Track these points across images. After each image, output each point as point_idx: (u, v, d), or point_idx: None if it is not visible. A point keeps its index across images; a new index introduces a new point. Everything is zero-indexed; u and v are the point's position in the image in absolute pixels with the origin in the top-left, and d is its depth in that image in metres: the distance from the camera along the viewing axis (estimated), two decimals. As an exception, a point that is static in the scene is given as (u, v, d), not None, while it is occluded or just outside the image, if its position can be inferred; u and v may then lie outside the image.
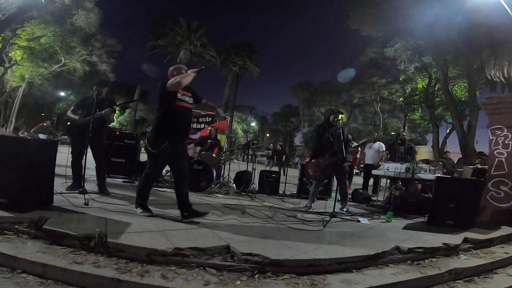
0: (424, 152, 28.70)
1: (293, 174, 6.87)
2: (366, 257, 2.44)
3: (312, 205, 4.50)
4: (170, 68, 3.13)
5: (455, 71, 15.88)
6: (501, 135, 4.62)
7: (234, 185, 5.70)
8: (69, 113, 3.94)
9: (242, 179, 5.63)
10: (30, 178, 2.56)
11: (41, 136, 13.60)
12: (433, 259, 2.70)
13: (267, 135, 50.50)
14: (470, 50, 12.10)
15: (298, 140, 46.68)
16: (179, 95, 2.92)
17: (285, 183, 6.02)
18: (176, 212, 3.22)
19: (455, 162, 11.63)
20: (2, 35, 14.21)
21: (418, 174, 4.55)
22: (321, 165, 4.30)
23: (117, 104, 3.96)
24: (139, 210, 2.95)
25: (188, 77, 2.90)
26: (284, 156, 13.49)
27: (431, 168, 4.71)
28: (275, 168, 13.77)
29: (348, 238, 2.93)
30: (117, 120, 35.34)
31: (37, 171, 2.62)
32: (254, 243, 2.47)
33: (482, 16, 10.15)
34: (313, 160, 4.49)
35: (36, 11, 15.68)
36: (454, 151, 19.98)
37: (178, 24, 27.30)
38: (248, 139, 45.48)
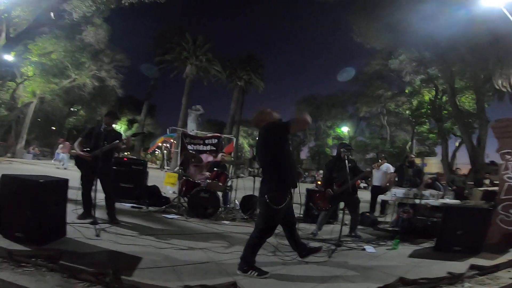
0: (433, 164, 28.32)
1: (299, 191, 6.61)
2: (367, 292, 2.48)
3: (319, 232, 4.55)
4: (258, 114, 2.87)
5: (462, 83, 15.73)
6: (511, 159, 4.59)
7: (240, 211, 5.72)
8: (76, 146, 3.98)
9: (249, 204, 5.66)
10: (43, 214, 2.70)
11: (63, 156, 14.07)
12: (437, 289, 2.72)
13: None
14: (475, 60, 11.96)
15: (304, 154, 46.57)
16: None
17: (292, 204, 5.96)
18: (185, 243, 3.31)
19: (467, 173, 11.47)
20: (14, 50, 14.62)
21: (426, 201, 4.54)
22: (330, 195, 4.44)
23: (124, 138, 4.06)
24: (252, 274, 2.55)
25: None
26: None
27: (439, 193, 4.70)
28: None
29: (352, 270, 2.96)
30: (125, 135, 35.78)
31: (50, 208, 2.76)
32: (259, 280, 2.52)
33: (486, 25, 10.12)
34: (322, 192, 4.64)
35: (47, 27, 16.24)
36: (464, 162, 19.72)
37: (184, 39, 27.79)
38: (254, 153, 45.44)
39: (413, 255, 3.60)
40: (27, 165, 14.44)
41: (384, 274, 2.83)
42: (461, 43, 11.55)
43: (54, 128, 29.91)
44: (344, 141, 18.07)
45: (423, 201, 4.50)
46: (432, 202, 4.50)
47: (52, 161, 14.38)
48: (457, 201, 5.08)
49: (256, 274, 2.57)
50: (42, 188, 2.70)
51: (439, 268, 3.06)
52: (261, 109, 2.94)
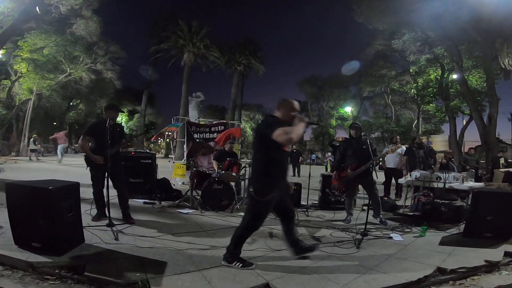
0: (438, 142, 28.04)
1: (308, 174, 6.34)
2: (408, 284, 2.39)
3: (351, 218, 4.46)
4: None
5: (469, 62, 15.37)
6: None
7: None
8: (83, 145, 3.76)
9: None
10: (57, 222, 2.55)
11: (60, 147, 13.84)
12: (475, 277, 2.65)
13: (277, 132, 50.25)
14: (483, 39, 11.75)
15: (308, 135, 46.37)
16: None
17: (308, 190, 5.67)
18: (206, 241, 3.19)
19: (473, 149, 11.38)
20: (4, 47, 14.20)
21: (451, 184, 4.34)
22: (343, 179, 4.34)
23: (128, 137, 3.89)
24: (237, 265, 2.52)
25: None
26: (300, 158, 13.72)
27: (463, 175, 4.50)
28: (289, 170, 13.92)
29: (386, 261, 2.84)
30: (127, 126, 35.58)
31: (63, 215, 2.60)
32: (292, 278, 2.40)
33: (492, 6, 9.96)
34: (335, 175, 4.54)
35: (34, 22, 15.66)
36: (471, 140, 19.44)
37: (179, 27, 27.08)
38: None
39: (444, 242, 3.46)
40: (34, 163, 14.26)
41: (420, 264, 2.72)
42: (467, 24, 11.26)
43: (55, 123, 29.68)
44: (353, 122, 17.91)
45: (447, 185, 4.29)
46: (457, 185, 4.28)
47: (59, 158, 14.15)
48: (481, 184, 4.86)
49: (240, 265, 2.53)
50: (52, 195, 2.51)
51: (474, 256, 2.93)
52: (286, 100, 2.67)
